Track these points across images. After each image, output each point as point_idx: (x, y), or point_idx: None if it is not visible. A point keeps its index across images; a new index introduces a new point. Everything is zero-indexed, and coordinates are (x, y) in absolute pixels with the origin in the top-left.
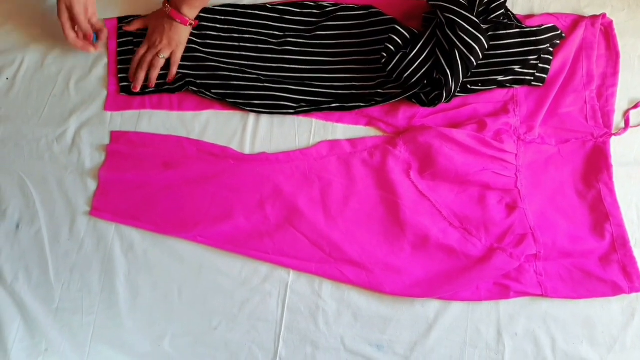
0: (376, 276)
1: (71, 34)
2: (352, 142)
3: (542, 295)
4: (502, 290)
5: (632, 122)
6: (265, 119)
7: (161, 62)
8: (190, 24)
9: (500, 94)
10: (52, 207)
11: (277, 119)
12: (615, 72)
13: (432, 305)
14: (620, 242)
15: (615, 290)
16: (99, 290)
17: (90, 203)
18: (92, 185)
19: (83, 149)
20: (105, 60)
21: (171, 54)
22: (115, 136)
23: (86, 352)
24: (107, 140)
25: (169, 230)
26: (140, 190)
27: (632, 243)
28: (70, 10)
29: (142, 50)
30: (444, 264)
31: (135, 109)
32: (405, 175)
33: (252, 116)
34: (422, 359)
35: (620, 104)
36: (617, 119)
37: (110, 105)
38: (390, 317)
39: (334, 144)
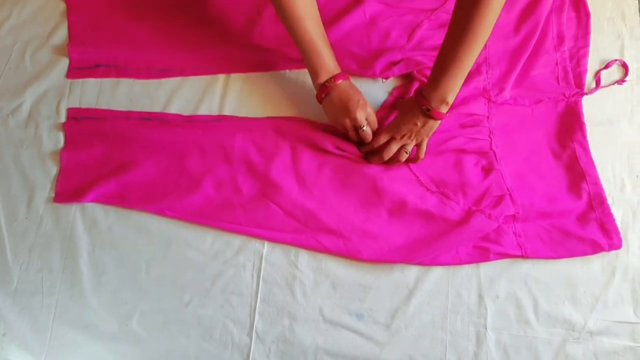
0: (353, 243)
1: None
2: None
3: (522, 257)
4: (481, 253)
5: (603, 82)
6: (233, 84)
7: (405, 157)
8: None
9: None
10: (8, 184)
11: (247, 84)
12: (586, 33)
13: (412, 271)
14: (598, 201)
15: (595, 248)
16: (61, 269)
17: (49, 179)
18: (50, 160)
19: (40, 123)
20: (62, 31)
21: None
22: (73, 113)
23: (48, 335)
24: (64, 115)
25: (135, 205)
26: (104, 166)
27: (610, 201)
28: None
29: (383, 138)
30: (423, 229)
31: (98, 77)
32: None
33: (219, 82)
34: (404, 326)
35: (592, 65)
36: (589, 80)
37: (73, 73)
38: (370, 285)
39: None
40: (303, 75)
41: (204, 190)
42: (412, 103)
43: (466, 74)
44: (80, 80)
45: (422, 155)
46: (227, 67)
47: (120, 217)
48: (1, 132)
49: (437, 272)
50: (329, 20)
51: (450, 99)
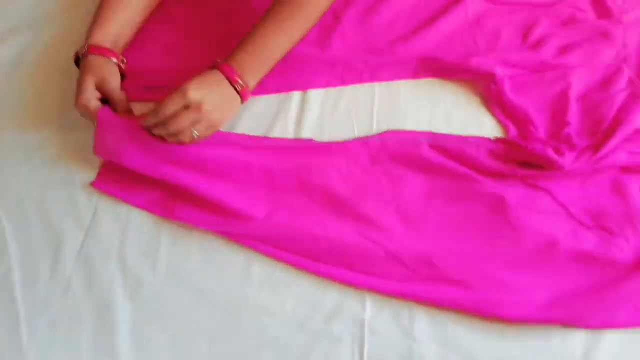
0: (486, 297)
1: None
2: (428, 134)
3: None
4: None
5: None
6: (312, 102)
7: (188, 138)
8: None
9: (608, 56)
10: (28, 236)
11: (329, 102)
12: None
13: (577, 338)
14: None
15: None
16: (92, 352)
17: (82, 227)
18: (83, 202)
19: (72, 158)
20: None
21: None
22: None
23: None
24: None
25: (185, 217)
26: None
27: None
28: (103, 87)
29: (176, 103)
30: (582, 277)
31: (148, 100)
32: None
33: (295, 101)
34: None
35: None
36: None
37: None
38: None
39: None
40: (397, 88)
41: (275, 221)
42: (217, 73)
43: (272, 58)
44: None
45: (187, 138)
46: (302, 82)
47: (172, 277)
48: (23, 172)
49: (613, 339)
50: (425, 23)
51: (251, 83)
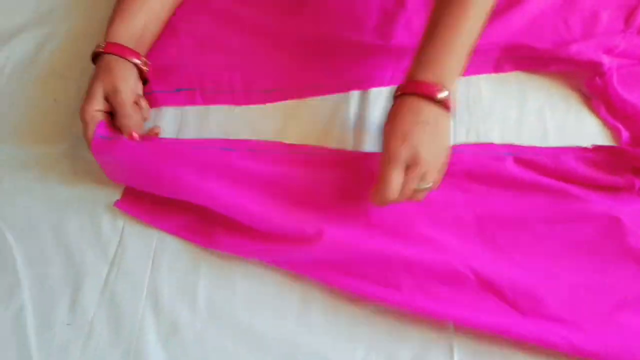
0: (600, 340)
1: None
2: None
3: None
4: None
5: None
6: (374, 103)
7: (423, 194)
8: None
9: None
10: (43, 272)
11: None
12: None
13: None
14: None
15: None
16: None
17: (106, 259)
18: (109, 228)
19: (94, 174)
20: None
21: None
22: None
23: None
24: None
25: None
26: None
27: None
28: (112, 98)
29: (394, 175)
30: None
31: (179, 105)
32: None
33: (353, 102)
34: None
35: None
36: None
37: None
38: None
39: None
40: (477, 84)
41: (327, 243)
42: (403, 98)
43: (465, 47)
44: (153, 110)
45: (422, 197)
46: (361, 80)
47: (214, 316)
48: (37, 192)
49: None
50: (507, 5)
51: (448, 83)
